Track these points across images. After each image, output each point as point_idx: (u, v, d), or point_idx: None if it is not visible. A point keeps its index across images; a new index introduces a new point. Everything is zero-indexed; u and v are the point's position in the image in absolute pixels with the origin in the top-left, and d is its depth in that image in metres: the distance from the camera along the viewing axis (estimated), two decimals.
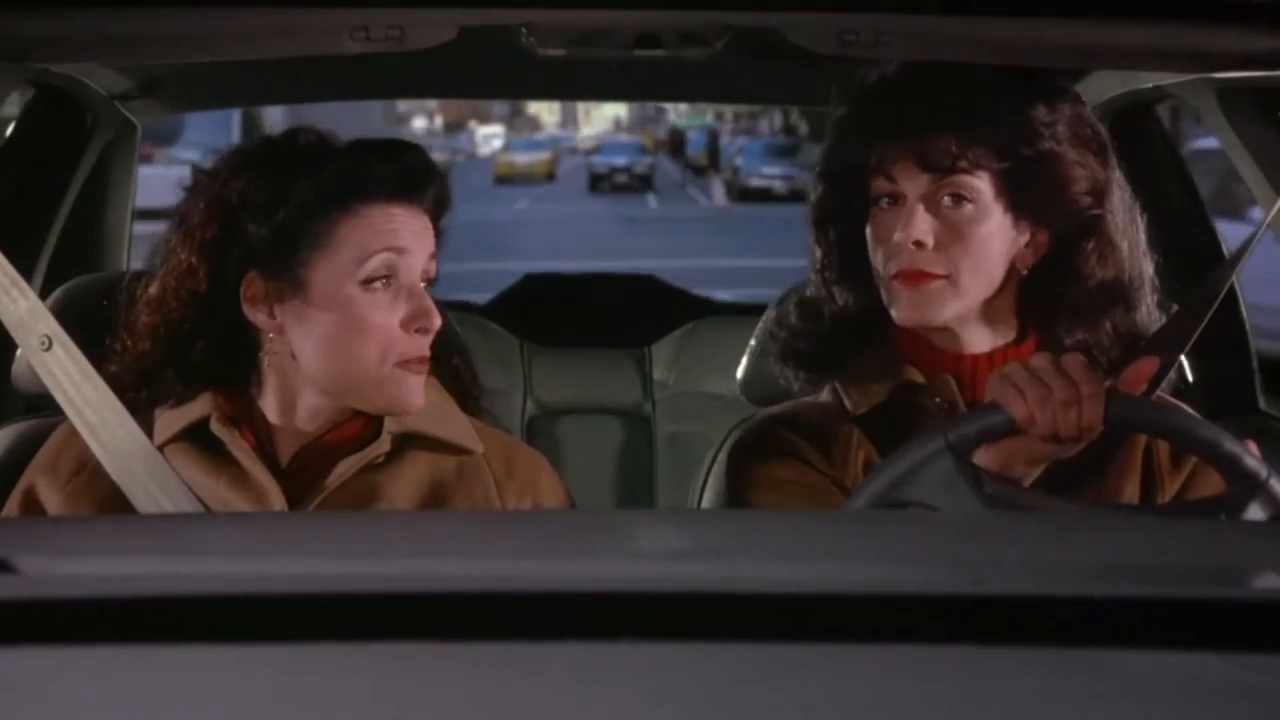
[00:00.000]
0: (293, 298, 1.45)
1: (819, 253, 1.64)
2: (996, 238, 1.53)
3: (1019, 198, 1.53)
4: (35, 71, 2.07)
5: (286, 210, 1.44)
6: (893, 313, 1.55)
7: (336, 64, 1.92)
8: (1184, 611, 0.80)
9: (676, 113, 49.48)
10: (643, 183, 32.95)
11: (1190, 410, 1.54)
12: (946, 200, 1.52)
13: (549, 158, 40.41)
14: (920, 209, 1.51)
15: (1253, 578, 0.95)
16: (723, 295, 3.74)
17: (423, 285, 1.48)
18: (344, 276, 1.44)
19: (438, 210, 1.52)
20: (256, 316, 1.47)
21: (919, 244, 1.51)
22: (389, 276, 1.45)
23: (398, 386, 1.46)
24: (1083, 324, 1.55)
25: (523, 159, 39.70)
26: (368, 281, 1.44)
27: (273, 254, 1.45)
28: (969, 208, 1.52)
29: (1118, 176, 1.58)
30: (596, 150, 38.82)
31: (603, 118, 60.43)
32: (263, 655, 0.73)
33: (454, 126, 63.05)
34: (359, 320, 1.44)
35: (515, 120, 64.00)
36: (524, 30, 1.79)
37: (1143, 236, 1.60)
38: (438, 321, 1.47)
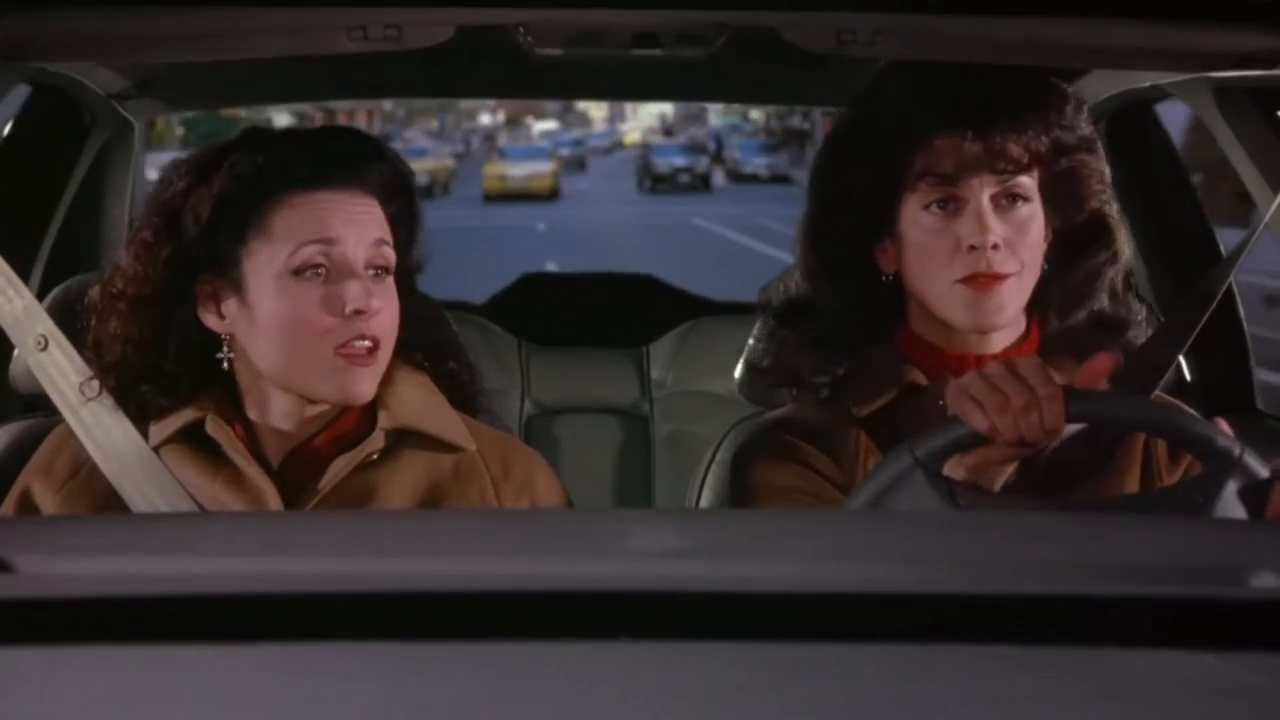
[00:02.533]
0: (233, 295, 1.45)
1: (815, 264, 1.61)
2: (1041, 236, 1.54)
3: (1052, 194, 1.54)
4: (33, 70, 2.07)
5: (214, 207, 1.43)
6: (953, 317, 1.52)
7: (334, 63, 1.92)
8: (1182, 611, 0.80)
9: (716, 113, 49.49)
10: (703, 182, 34.13)
11: (1166, 399, 1.54)
12: (1005, 201, 1.51)
13: (551, 169, 33.15)
14: (990, 210, 1.50)
15: (1251, 577, 0.95)
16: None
17: (371, 273, 1.45)
18: (275, 269, 1.43)
19: (388, 193, 1.49)
20: (208, 319, 1.46)
21: (996, 247, 1.49)
22: (322, 266, 1.43)
23: (343, 376, 1.43)
24: (1084, 313, 1.57)
25: (518, 170, 32.48)
26: (298, 272, 1.42)
27: (211, 254, 1.44)
28: (1025, 207, 1.52)
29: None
30: (648, 148, 38.70)
31: (649, 114, 60.57)
32: (260, 655, 0.73)
33: (513, 121, 64.31)
34: (292, 311, 1.42)
35: (567, 116, 64.29)
36: (521, 30, 1.79)
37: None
38: (377, 304, 1.43)
